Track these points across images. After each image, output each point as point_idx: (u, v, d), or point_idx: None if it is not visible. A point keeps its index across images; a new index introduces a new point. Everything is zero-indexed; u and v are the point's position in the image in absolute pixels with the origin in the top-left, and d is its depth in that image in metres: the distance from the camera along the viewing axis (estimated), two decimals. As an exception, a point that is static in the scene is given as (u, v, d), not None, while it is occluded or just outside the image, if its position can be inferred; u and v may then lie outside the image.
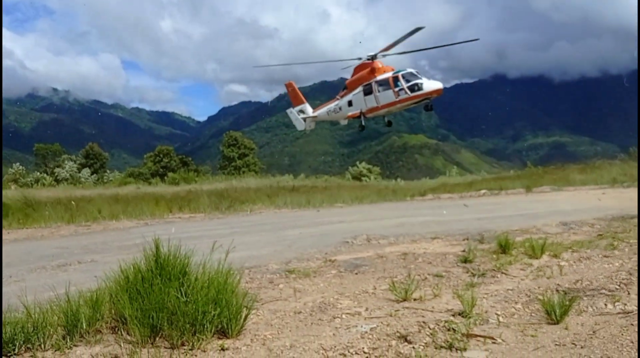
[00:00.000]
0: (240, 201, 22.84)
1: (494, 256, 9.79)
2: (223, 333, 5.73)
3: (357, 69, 27.37)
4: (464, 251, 10.32)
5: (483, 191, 30.18)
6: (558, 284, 7.51)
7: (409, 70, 25.43)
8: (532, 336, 5.54)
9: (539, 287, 7.39)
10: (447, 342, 5.37)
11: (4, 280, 9.22)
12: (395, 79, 25.23)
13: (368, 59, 26.51)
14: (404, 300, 7.00)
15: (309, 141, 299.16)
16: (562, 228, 13.41)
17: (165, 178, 54.95)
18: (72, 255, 11.77)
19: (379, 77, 26.03)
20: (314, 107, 31.22)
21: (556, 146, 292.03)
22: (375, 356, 5.14)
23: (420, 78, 24.85)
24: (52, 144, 79.92)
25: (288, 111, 32.43)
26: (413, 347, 5.31)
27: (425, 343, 5.41)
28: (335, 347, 5.38)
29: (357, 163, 57.12)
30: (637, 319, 5.81)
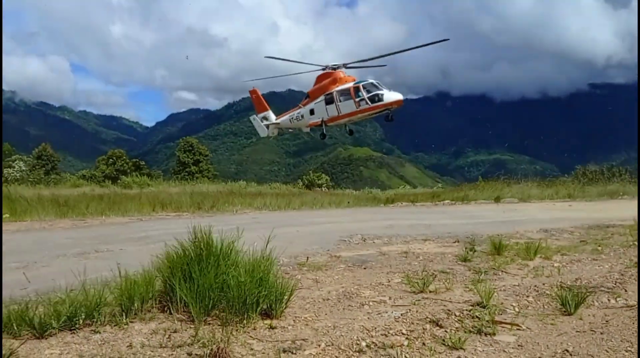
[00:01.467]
0: (220, 202, 22.96)
1: (490, 257, 10.35)
2: (266, 315, 6.12)
3: (320, 78, 27.81)
4: (461, 251, 10.86)
5: (447, 201, 30.56)
6: (561, 281, 8.05)
7: (370, 81, 26.01)
8: (552, 324, 6.06)
9: (543, 284, 7.93)
10: (475, 327, 5.85)
11: (31, 264, 9.45)
12: (357, 89, 25.74)
13: (332, 69, 26.99)
14: (421, 291, 7.48)
15: (256, 150, 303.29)
16: (543, 234, 14.05)
17: (118, 181, 54.15)
18: (86, 245, 11.99)
19: (341, 87, 26.51)
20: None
21: (497, 164, 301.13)
22: (414, 337, 5.58)
23: (381, 89, 25.46)
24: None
25: (251, 117, 32.92)
26: (445, 331, 5.78)
27: (456, 328, 5.89)
28: (375, 328, 5.82)
29: (310, 172, 57.45)
30: None
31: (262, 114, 31.76)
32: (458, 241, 12.66)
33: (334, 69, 27.04)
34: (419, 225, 16.04)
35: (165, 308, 6.26)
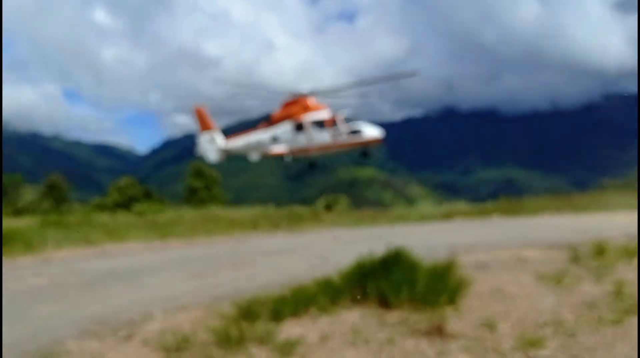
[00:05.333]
0: (292, 222, 23.93)
1: (594, 258, 11.44)
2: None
3: (287, 103, 25.12)
4: (561, 255, 12.05)
5: (495, 216, 29.91)
6: (672, 272, 9.16)
7: (347, 112, 23.53)
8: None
9: (658, 275, 9.03)
10: (624, 309, 7.03)
11: (240, 265, 11.05)
12: (334, 120, 23.28)
13: (301, 95, 24.49)
14: (557, 284, 8.67)
15: (254, 175, 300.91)
16: (629, 239, 14.94)
17: (132, 208, 54.74)
18: (250, 256, 13.98)
19: (315, 116, 24.10)
20: None
21: (507, 180, 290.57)
22: (578, 315, 6.81)
23: (360, 124, 23.12)
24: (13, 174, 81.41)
25: (199, 137, 28.87)
26: (600, 312, 6.98)
27: (607, 309, 7.09)
28: (543, 311, 7.07)
29: (328, 195, 56.75)
30: None
31: (207, 134, 26.99)
32: (552, 248, 13.73)
33: (304, 95, 24.42)
34: (510, 235, 17.20)
35: (355, 301, 7.65)
